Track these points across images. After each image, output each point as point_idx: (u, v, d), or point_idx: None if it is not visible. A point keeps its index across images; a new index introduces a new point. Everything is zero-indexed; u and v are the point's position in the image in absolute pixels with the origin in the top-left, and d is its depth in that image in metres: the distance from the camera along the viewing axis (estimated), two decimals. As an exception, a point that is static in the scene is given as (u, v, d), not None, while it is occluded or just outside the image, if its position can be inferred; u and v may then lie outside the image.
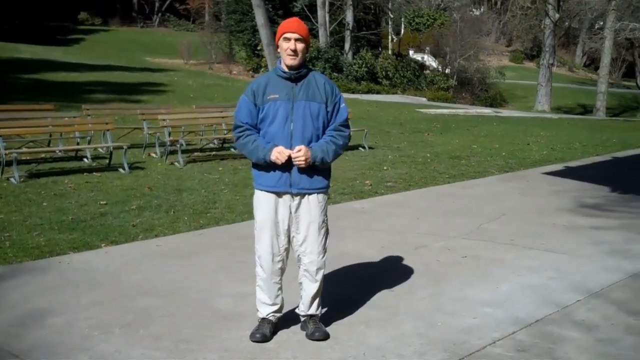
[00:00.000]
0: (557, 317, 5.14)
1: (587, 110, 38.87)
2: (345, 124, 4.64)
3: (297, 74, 4.50)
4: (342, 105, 4.63)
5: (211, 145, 14.67)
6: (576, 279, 6.07)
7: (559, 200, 9.80)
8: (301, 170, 4.47)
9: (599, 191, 10.57)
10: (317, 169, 4.52)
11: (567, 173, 12.51)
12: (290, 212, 4.57)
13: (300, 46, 4.46)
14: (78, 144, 12.91)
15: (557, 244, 7.30)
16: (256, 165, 4.58)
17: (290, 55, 4.45)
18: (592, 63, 63.65)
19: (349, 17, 37.52)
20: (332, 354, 4.41)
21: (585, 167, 13.50)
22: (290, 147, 4.42)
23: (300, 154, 4.39)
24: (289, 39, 4.45)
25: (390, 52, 42.90)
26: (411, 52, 44.21)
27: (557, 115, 31.22)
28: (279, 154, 4.39)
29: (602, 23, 47.49)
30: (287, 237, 4.62)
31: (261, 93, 4.51)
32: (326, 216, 4.69)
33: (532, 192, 10.44)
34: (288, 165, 4.44)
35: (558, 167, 13.33)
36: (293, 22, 4.54)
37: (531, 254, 6.89)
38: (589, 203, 9.58)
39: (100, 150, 13.04)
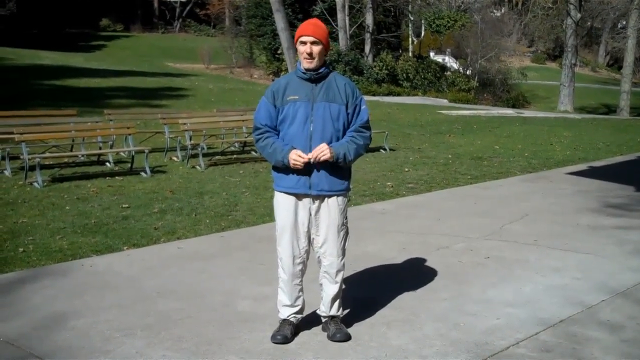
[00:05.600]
0: (582, 317, 5.07)
1: (610, 110, 38.48)
2: (366, 126, 4.60)
3: (317, 75, 4.48)
4: (363, 107, 4.60)
5: (232, 148, 14.71)
6: (600, 279, 5.99)
7: (582, 200, 9.70)
8: (321, 172, 4.45)
9: (623, 191, 10.45)
10: (337, 170, 4.49)
11: (591, 173, 12.39)
12: (310, 215, 4.55)
13: (316, 49, 4.43)
14: (100, 148, 13.01)
15: (581, 244, 7.23)
16: (276, 167, 4.57)
17: (306, 58, 4.44)
18: (615, 62, 63.10)
19: (368, 19, 37.46)
20: (354, 355, 4.39)
21: (609, 167, 13.37)
22: (310, 149, 4.40)
23: (322, 147, 4.36)
24: (304, 43, 4.43)
25: (410, 54, 42.78)
26: (432, 54, 44.04)
27: (580, 115, 30.95)
28: (295, 160, 4.37)
29: (624, 22, 47.08)
30: (308, 239, 4.61)
31: (281, 94, 4.49)
32: (346, 218, 4.66)
33: (555, 193, 10.35)
34: (307, 167, 4.42)
35: (582, 167, 13.21)
36: (309, 25, 4.51)
37: (555, 254, 6.82)
38: (613, 203, 9.48)
39: (122, 154, 13.13)
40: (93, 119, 13.74)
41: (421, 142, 16.78)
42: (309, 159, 4.37)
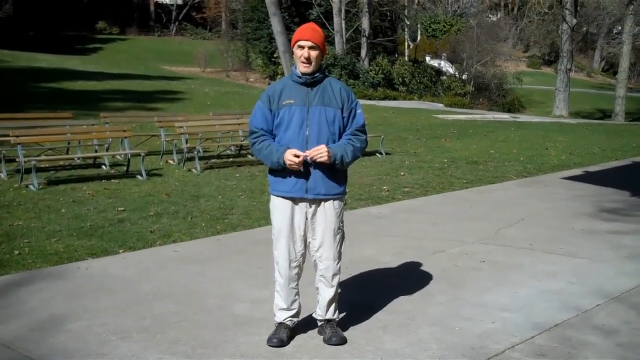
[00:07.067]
0: (577, 321, 5.09)
1: (605, 115, 38.60)
2: (362, 129, 4.62)
3: (313, 79, 4.49)
4: (359, 111, 4.62)
5: (228, 152, 14.71)
6: (595, 284, 6.01)
7: (577, 204, 9.73)
8: (317, 176, 4.46)
9: (618, 196, 10.48)
10: (333, 174, 4.50)
11: (586, 178, 12.42)
12: (307, 218, 4.56)
13: (314, 54, 4.44)
14: (96, 151, 13.00)
15: (576, 248, 7.25)
16: (272, 171, 4.57)
17: (303, 62, 4.45)
18: (611, 68, 63.29)
19: (365, 24, 37.54)
20: (350, 359, 4.39)
21: (604, 172, 13.40)
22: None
23: (321, 149, 4.37)
24: (302, 47, 4.44)
25: (406, 58, 42.87)
26: (428, 58, 44.14)
27: (576, 120, 31.03)
28: (290, 161, 4.36)
29: (620, 28, 47.25)
30: (304, 242, 4.62)
31: (276, 99, 4.50)
32: (342, 222, 4.68)
33: (550, 197, 10.37)
34: (304, 170, 4.43)
35: (577, 172, 13.24)
36: (307, 29, 4.52)
37: (550, 258, 6.84)
38: (608, 207, 9.51)
39: (118, 157, 13.12)
40: (89, 121, 13.72)
41: (417, 146, 16.80)
42: (305, 156, 4.36)
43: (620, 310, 5.37)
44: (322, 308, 4.69)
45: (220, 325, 4.94)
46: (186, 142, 12.99)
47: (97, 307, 5.29)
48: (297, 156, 4.37)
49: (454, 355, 4.45)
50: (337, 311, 4.74)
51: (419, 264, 6.59)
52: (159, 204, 9.42)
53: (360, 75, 34.81)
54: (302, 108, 4.45)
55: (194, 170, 12.28)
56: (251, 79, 39.44)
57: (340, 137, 4.54)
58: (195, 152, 12.62)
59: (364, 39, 37.77)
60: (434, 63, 42.63)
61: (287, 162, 4.38)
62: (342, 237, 4.69)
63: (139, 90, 26.73)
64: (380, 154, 14.94)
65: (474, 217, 8.84)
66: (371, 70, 35.87)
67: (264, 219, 8.24)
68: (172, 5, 63.19)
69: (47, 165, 12.17)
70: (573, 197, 10.32)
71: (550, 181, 12.03)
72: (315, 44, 4.45)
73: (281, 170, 4.48)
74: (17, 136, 10.63)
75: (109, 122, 14.11)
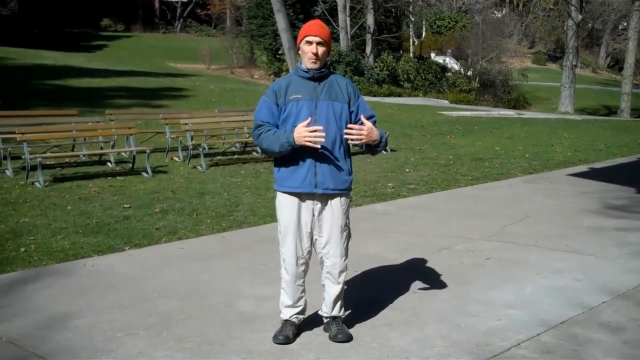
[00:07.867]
0: (583, 318, 5.08)
1: (611, 111, 38.49)
2: (375, 120, 4.61)
3: (320, 74, 4.49)
4: (367, 106, 4.63)
5: (233, 148, 14.73)
6: (601, 281, 6.00)
7: (583, 201, 9.71)
8: (326, 170, 4.45)
9: (624, 192, 10.45)
10: (340, 169, 4.49)
11: (592, 174, 12.39)
12: (313, 215, 4.56)
13: (321, 50, 4.45)
14: (102, 148, 13.03)
15: (582, 245, 7.23)
16: (280, 167, 4.55)
17: (311, 59, 4.45)
18: (616, 64, 63.11)
19: (369, 20, 37.46)
20: (355, 356, 4.39)
21: (610, 169, 13.37)
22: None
23: (372, 129, 4.42)
24: (310, 43, 4.44)
25: (411, 54, 42.77)
26: (433, 55, 44.06)
27: (581, 116, 30.95)
28: (299, 132, 4.29)
29: (625, 24, 47.08)
30: (310, 239, 4.62)
31: (283, 93, 4.49)
32: (348, 219, 4.68)
33: (556, 194, 10.35)
34: (315, 157, 4.41)
35: (582, 168, 13.21)
36: (315, 25, 4.52)
37: (555, 255, 6.83)
38: (614, 204, 9.49)
39: (124, 154, 13.13)
40: (94, 118, 13.73)
41: (422, 143, 16.79)
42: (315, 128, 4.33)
43: (627, 307, 5.36)
44: (328, 305, 4.69)
45: (225, 322, 4.95)
46: (191, 139, 13.00)
47: (102, 304, 5.31)
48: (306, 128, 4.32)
49: (460, 352, 4.45)
50: (343, 308, 4.75)
51: (424, 261, 6.59)
52: (164, 201, 9.43)
53: (365, 72, 34.76)
54: (310, 103, 4.45)
55: (199, 167, 12.30)
56: (256, 76, 39.41)
57: (347, 131, 4.54)
58: (201, 149, 12.63)
59: (368, 36, 37.69)
60: (439, 59, 42.54)
61: (302, 137, 4.30)
62: (349, 234, 4.70)
63: (144, 87, 26.72)
64: (385, 150, 14.92)
65: (479, 214, 8.83)
66: (376, 67, 35.81)
67: (270, 216, 8.25)
68: (177, 2, 63.19)
69: (52, 163, 12.20)
70: (578, 194, 10.30)
71: (555, 178, 12.00)
72: (323, 40, 4.45)
73: (290, 160, 4.46)
74: (23, 133, 10.66)
75: (114, 119, 14.12)
